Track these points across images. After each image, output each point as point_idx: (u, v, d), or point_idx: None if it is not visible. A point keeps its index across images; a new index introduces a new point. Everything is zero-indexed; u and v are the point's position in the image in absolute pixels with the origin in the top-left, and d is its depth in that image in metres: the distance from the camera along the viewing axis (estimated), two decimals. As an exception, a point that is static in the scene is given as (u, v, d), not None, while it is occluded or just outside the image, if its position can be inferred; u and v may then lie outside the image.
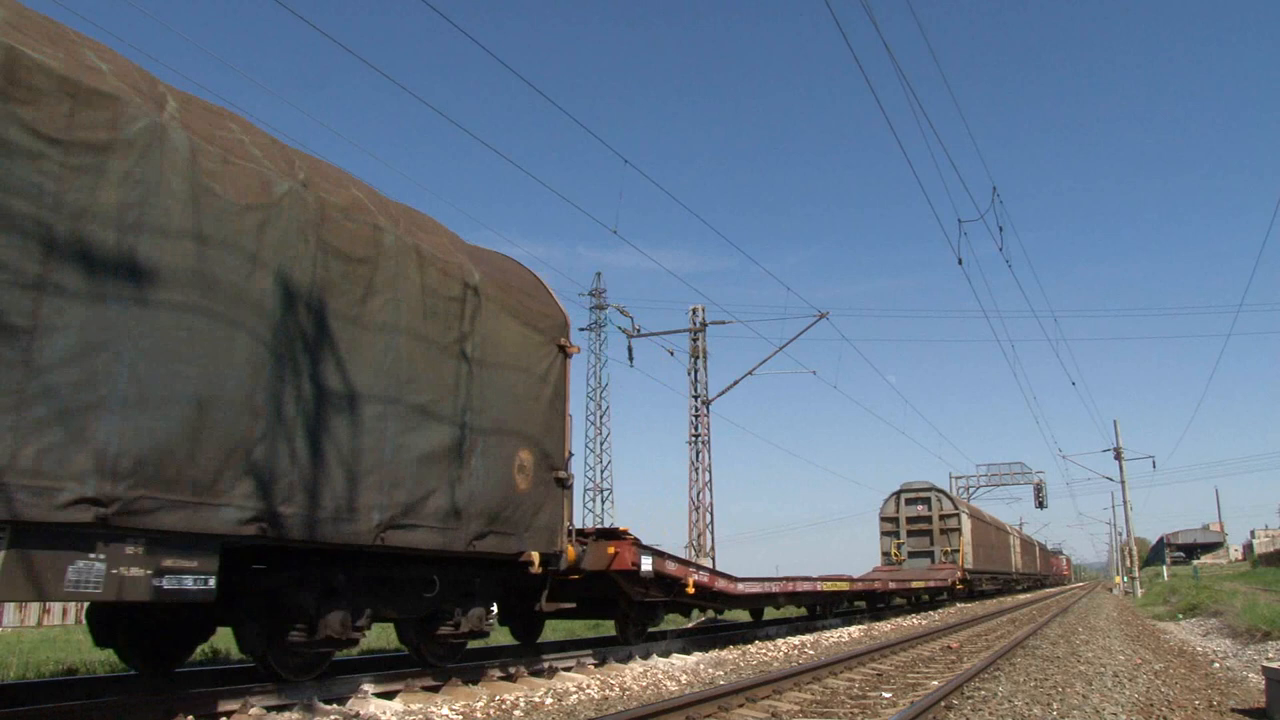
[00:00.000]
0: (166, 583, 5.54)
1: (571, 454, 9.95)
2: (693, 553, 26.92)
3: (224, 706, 6.61)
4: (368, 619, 7.60)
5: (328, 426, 6.68)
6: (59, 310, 4.95)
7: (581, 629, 18.74)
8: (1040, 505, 64.05)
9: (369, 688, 7.74)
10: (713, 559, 27.08)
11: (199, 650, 11.95)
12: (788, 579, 17.04)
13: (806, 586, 17.84)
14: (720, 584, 13.69)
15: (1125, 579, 57.94)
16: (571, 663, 10.34)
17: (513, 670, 9.41)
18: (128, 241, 5.39)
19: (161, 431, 5.46)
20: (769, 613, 20.79)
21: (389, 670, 9.02)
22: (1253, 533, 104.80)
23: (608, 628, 16.91)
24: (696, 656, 12.14)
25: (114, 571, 5.23)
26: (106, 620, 7.50)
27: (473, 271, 8.65)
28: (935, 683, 9.42)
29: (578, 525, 10.35)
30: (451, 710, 7.35)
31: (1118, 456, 47.95)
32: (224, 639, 13.21)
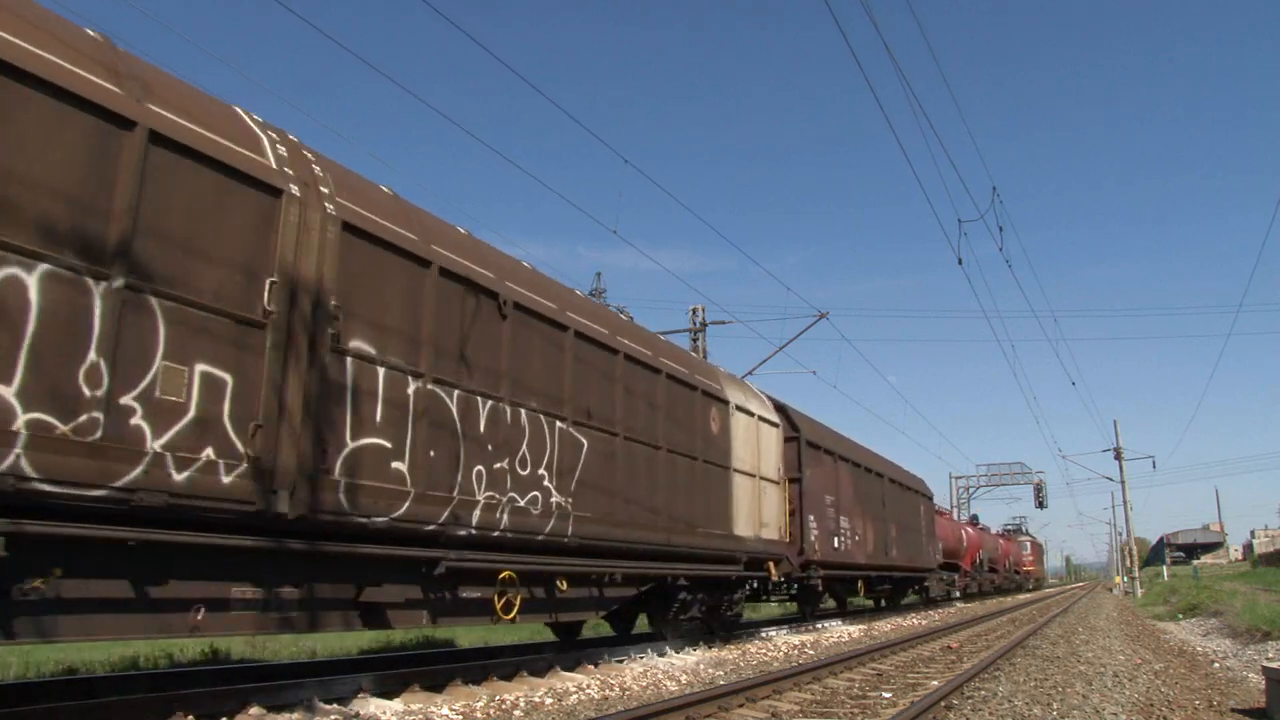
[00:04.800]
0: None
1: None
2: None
3: (224, 706, 6.61)
4: None
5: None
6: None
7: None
8: (1040, 505, 64.20)
9: (369, 688, 7.74)
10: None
11: (199, 649, 11.95)
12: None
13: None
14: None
15: (1125, 579, 57.95)
16: (571, 663, 10.34)
17: (512, 670, 9.41)
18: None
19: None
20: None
21: (389, 670, 9.02)
22: (1253, 533, 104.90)
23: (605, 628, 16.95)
24: (696, 656, 12.14)
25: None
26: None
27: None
28: (935, 683, 9.41)
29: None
30: (451, 710, 7.35)
31: (1118, 456, 47.94)
32: (220, 639, 13.18)
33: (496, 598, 8.61)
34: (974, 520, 52.54)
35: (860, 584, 22.52)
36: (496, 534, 8.40)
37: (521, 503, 8.78)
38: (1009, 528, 71.39)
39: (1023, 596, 49.80)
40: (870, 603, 28.33)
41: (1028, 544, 64.56)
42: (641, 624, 14.46)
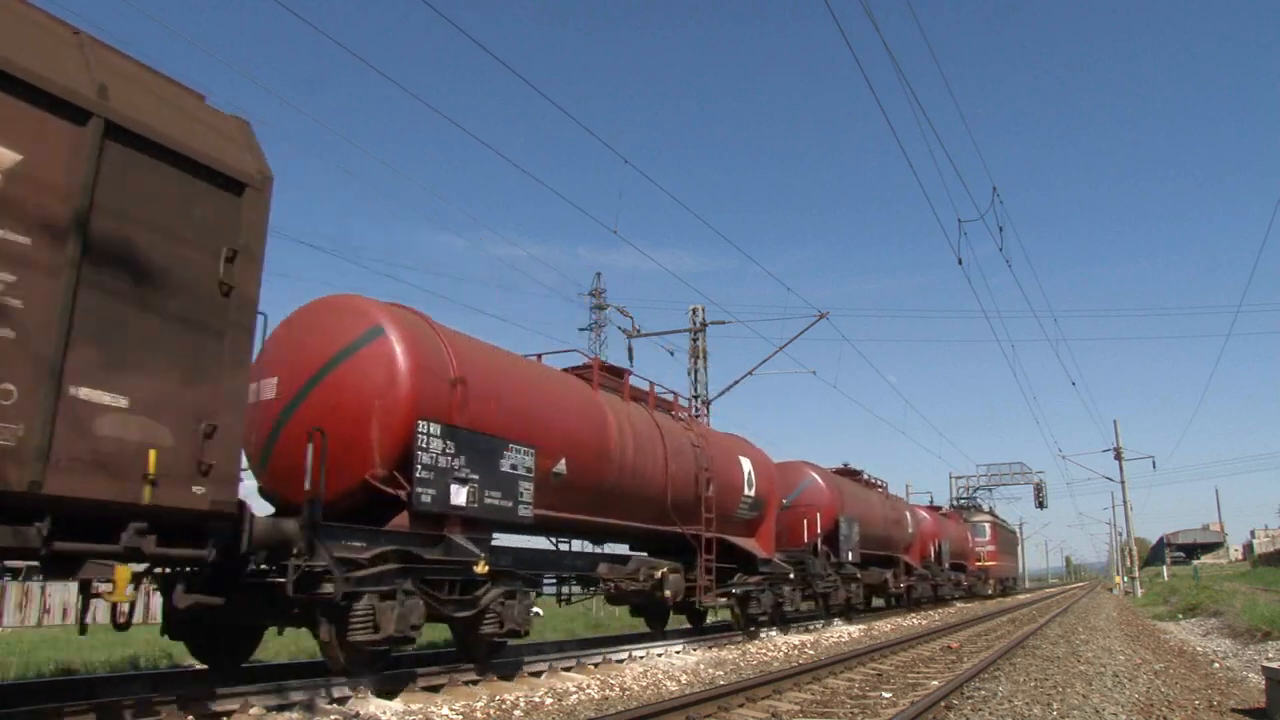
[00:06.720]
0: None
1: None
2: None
3: (224, 706, 6.61)
4: None
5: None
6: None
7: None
8: (1040, 505, 64.11)
9: (369, 687, 7.74)
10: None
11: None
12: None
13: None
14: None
15: (1125, 579, 57.92)
16: (571, 663, 10.33)
17: (512, 670, 9.41)
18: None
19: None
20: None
21: (389, 670, 9.01)
22: (1253, 533, 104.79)
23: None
24: (696, 656, 12.14)
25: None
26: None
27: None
28: (935, 683, 9.41)
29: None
30: (451, 710, 7.35)
31: (1118, 456, 47.92)
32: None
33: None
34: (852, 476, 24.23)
35: None
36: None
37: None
38: (961, 501, 49.38)
39: (1022, 597, 49.34)
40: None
41: (986, 527, 41.97)
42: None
